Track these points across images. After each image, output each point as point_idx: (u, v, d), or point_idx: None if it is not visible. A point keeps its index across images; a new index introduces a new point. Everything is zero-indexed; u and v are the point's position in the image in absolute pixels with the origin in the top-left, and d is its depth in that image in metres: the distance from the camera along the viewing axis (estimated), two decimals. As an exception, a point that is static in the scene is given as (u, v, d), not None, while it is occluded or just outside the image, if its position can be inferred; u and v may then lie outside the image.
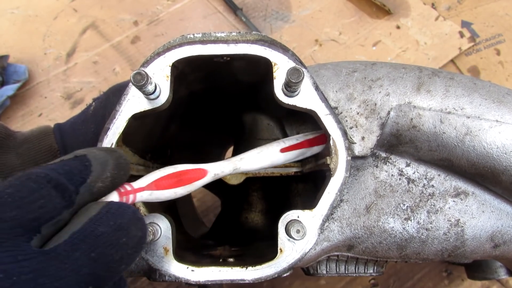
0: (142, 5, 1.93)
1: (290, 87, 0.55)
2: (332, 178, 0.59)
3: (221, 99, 0.91)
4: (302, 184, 0.86)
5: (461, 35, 1.89)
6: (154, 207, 0.67)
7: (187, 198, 1.19)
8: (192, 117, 0.94)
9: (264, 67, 0.61)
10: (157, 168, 0.83)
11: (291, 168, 0.82)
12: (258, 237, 0.99)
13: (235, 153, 0.86)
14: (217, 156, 0.93)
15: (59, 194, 0.43)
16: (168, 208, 0.83)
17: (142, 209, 0.64)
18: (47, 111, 1.75)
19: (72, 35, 1.87)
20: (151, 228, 0.58)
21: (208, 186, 1.16)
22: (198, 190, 1.58)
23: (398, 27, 1.91)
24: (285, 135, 0.85)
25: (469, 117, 0.61)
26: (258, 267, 0.61)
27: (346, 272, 0.74)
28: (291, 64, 0.58)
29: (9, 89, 1.71)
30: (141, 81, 0.52)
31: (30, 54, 1.83)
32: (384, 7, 1.91)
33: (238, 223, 1.02)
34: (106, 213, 0.44)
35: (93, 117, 0.73)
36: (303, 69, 0.55)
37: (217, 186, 1.09)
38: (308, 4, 1.96)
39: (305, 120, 0.82)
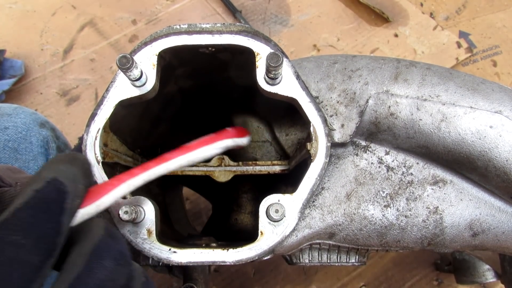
0: (141, 4, 1.93)
1: (270, 72, 0.56)
2: (312, 163, 0.60)
3: (212, 101, 0.91)
4: (291, 187, 0.86)
5: (459, 45, 1.90)
6: (138, 194, 0.67)
7: (179, 203, 1.19)
8: (183, 119, 0.94)
9: (248, 63, 0.61)
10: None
11: (276, 167, 0.83)
12: (248, 237, 0.99)
13: (226, 155, 0.86)
14: (205, 160, 0.94)
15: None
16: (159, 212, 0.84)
17: None
18: (42, 107, 1.75)
19: (70, 32, 1.88)
20: (134, 209, 0.58)
21: (198, 190, 1.16)
22: (191, 192, 1.58)
23: (396, 35, 1.92)
24: (274, 137, 0.85)
25: (444, 104, 0.62)
26: (239, 249, 0.62)
27: (329, 261, 0.74)
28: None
29: (5, 84, 1.71)
30: (126, 64, 0.53)
31: (27, 49, 1.84)
32: (383, 14, 1.92)
33: (228, 225, 1.02)
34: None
35: (77, 151, 0.73)
36: (283, 56, 0.56)
37: (207, 188, 1.09)
38: (307, 9, 1.97)
39: (294, 122, 0.82)
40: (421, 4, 2.03)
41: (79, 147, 0.62)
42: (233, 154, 0.89)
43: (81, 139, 0.62)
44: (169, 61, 0.66)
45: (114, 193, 0.50)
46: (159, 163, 0.56)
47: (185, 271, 0.92)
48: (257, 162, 0.84)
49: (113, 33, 1.88)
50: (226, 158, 0.86)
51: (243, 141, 0.66)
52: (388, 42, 1.90)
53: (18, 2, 1.92)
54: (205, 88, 0.85)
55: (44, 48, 1.85)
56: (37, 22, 1.89)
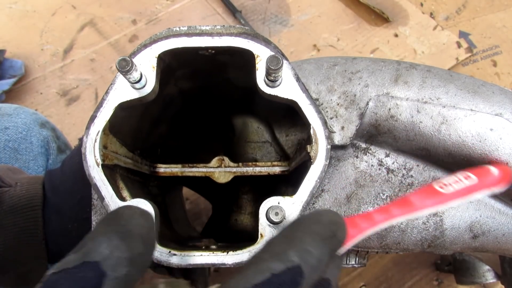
0: (141, 4, 1.93)
1: (270, 75, 0.56)
2: (312, 166, 0.60)
3: (211, 103, 0.91)
4: (291, 188, 0.86)
5: (459, 45, 1.90)
6: (138, 195, 0.67)
7: (179, 203, 1.19)
8: (183, 121, 0.94)
9: (248, 65, 0.61)
10: (146, 164, 0.83)
11: (276, 167, 0.83)
12: (247, 238, 0.99)
13: (226, 155, 0.86)
14: (204, 161, 0.94)
15: None
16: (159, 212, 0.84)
17: (125, 193, 0.63)
18: (43, 107, 1.75)
19: (70, 32, 1.87)
20: None
21: (198, 190, 1.16)
22: (191, 192, 1.58)
23: (396, 35, 1.92)
24: (274, 138, 0.85)
25: (444, 107, 0.62)
26: (238, 251, 0.61)
27: (328, 263, 0.74)
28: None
29: (5, 84, 1.71)
30: (125, 67, 0.53)
31: (27, 49, 1.84)
32: (383, 14, 1.92)
33: (228, 226, 1.02)
34: None
35: (77, 152, 0.73)
36: (283, 59, 0.56)
37: (207, 189, 1.09)
38: (307, 9, 1.96)
39: (294, 123, 0.82)
40: (421, 4, 2.03)
41: (79, 148, 0.62)
42: (233, 155, 0.89)
43: (81, 140, 0.62)
44: (169, 63, 0.66)
45: (349, 245, 0.44)
46: (405, 212, 0.49)
47: (185, 272, 0.92)
48: (257, 163, 0.84)
49: (113, 33, 1.88)
50: (226, 159, 0.86)
51: (501, 189, 0.57)
52: (388, 42, 1.90)
53: (18, 2, 1.92)
54: (205, 89, 0.85)
55: (44, 48, 1.85)
56: (37, 22, 1.89)
